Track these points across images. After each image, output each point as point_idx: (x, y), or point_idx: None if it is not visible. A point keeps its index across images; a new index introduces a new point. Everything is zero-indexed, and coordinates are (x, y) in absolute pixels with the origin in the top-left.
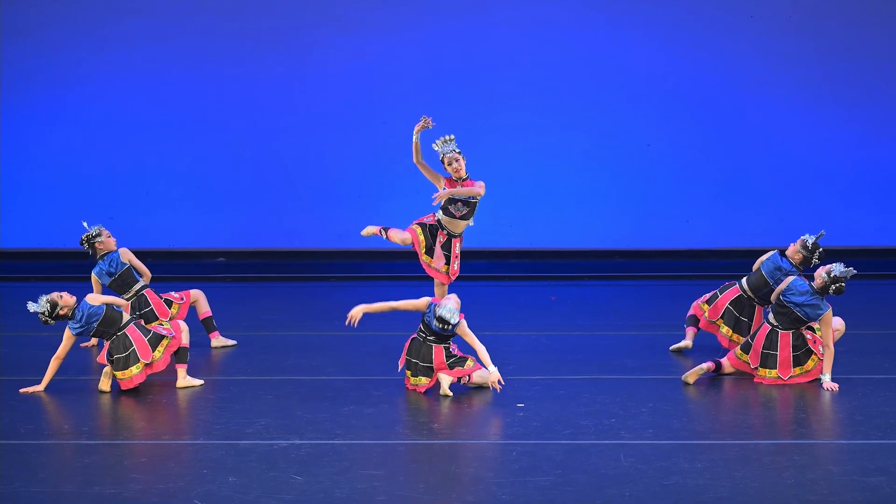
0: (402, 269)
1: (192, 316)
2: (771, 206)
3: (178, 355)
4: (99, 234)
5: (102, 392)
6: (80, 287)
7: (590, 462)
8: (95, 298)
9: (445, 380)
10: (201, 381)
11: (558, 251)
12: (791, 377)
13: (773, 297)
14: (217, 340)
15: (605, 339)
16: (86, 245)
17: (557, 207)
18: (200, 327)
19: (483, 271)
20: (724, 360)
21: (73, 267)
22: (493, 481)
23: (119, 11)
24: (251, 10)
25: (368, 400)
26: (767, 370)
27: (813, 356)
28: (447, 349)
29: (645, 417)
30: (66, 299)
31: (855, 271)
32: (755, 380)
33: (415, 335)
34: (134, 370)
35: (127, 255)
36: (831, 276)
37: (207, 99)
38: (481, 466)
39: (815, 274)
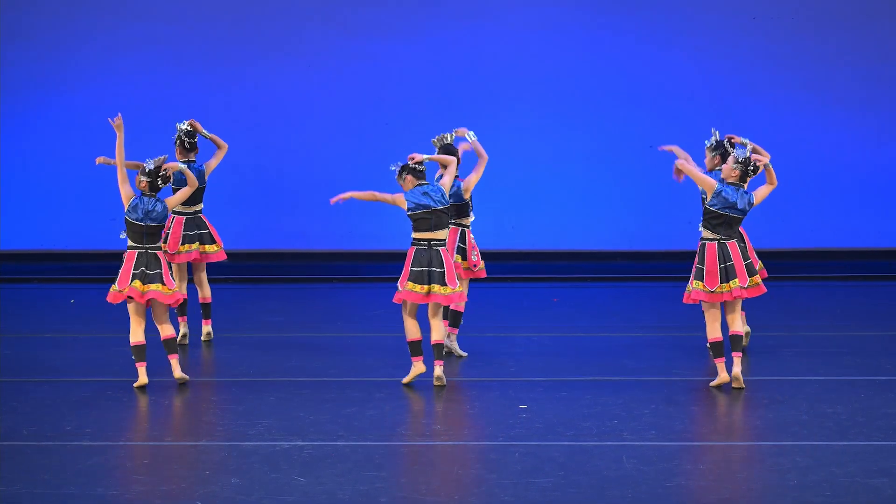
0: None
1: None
2: (772, 207)
3: (168, 346)
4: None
5: (140, 388)
6: (81, 288)
7: (592, 464)
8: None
9: (438, 370)
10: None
11: (560, 252)
12: (749, 287)
13: (704, 213)
14: (208, 327)
15: (607, 340)
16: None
17: (559, 209)
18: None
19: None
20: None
21: (74, 269)
22: (495, 483)
23: (120, 15)
24: (253, 13)
25: (371, 401)
26: (729, 283)
27: (758, 272)
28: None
29: (647, 419)
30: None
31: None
32: (719, 300)
33: (414, 247)
34: (161, 288)
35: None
36: (741, 161)
37: (210, 101)
38: (483, 468)
39: (725, 170)
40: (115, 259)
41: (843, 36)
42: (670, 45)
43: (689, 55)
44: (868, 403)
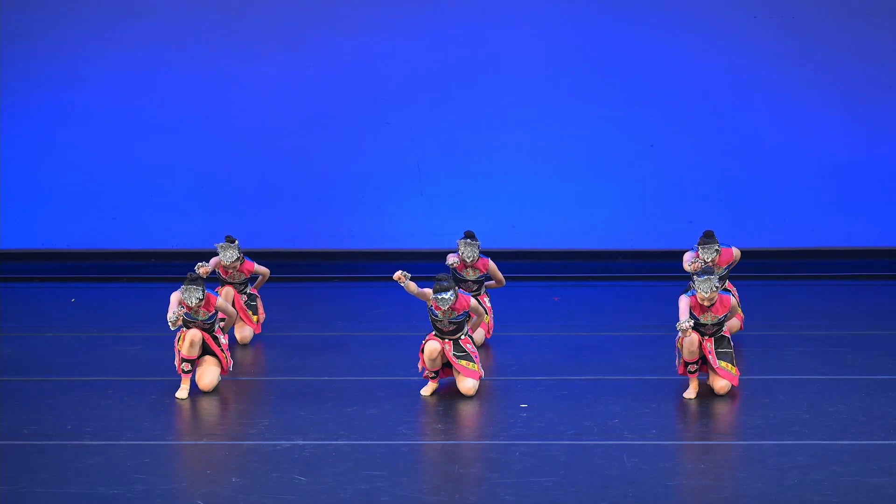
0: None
1: None
2: (774, 206)
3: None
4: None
5: (180, 399)
6: (81, 288)
7: (593, 463)
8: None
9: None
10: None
11: (561, 251)
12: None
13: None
14: None
15: (608, 339)
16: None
17: (560, 208)
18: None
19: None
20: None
21: (75, 268)
22: (496, 482)
23: (122, 13)
24: (255, 11)
25: (371, 400)
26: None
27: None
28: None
29: (648, 418)
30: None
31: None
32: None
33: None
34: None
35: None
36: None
37: (211, 100)
38: (484, 467)
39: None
40: (115, 259)
41: (844, 35)
42: (671, 44)
43: (690, 54)
44: (869, 402)
